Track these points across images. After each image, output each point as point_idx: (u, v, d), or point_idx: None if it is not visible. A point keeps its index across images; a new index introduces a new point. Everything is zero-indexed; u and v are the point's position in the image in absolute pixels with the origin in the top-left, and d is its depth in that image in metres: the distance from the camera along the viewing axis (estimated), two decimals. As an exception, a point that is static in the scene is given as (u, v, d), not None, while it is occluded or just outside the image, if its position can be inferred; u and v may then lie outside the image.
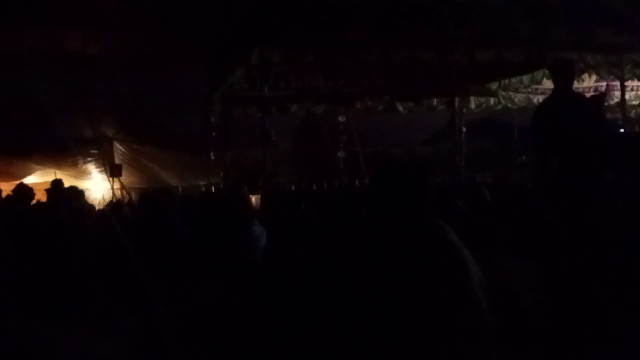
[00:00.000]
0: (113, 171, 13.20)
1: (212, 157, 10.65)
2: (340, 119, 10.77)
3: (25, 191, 7.27)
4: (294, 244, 3.72)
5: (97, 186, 14.81)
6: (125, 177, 13.84)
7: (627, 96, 9.12)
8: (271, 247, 3.21)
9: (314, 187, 9.46)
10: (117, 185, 13.56)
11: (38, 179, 13.75)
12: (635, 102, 10.68)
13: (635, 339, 2.49)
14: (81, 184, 12.88)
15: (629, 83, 9.26)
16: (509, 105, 11.45)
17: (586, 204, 4.70)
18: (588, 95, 8.44)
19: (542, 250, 3.45)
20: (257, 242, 3.13)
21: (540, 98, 10.52)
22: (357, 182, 9.40)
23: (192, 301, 2.62)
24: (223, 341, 2.51)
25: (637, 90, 10.65)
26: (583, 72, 9.07)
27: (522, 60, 8.21)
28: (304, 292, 2.43)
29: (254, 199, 8.09)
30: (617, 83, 8.93)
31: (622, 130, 8.65)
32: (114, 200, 12.30)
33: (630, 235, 3.53)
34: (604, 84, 10.08)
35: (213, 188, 11.21)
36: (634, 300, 3.03)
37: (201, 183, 13.26)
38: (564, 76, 5.66)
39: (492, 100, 11.52)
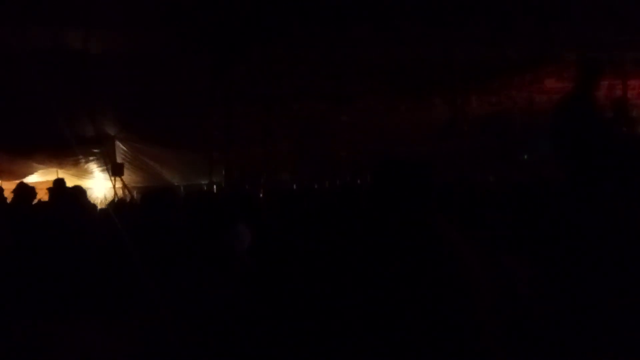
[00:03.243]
0: (115, 170, 13.18)
1: (214, 156, 10.64)
2: (342, 117, 10.77)
3: (26, 191, 7.25)
4: (295, 241, 3.72)
5: (99, 185, 14.77)
6: (127, 176, 13.81)
7: (628, 94, 9.11)
8: (273, 245, 3.21)
9: (316, 186, 9.46)
10: (119, 184, 13.55)
11: (40, 177, 13.73)
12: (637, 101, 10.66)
13: (635, 339, 2.49)
14: (83, 183, 12.80)
15: (631, 81, 9.26)
16: (511, 103, 11.43)
17: (594, 206, 4.69)
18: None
19: (544, 248, 3.45)
20: (240, 240, 3.13)
21: (543, 97, 10.52)
22: (358, 181, 9.39)
23: (191, 299, 2.63)
24: (224, 339, 2.52)
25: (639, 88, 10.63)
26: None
27: (524, 59, 8.21)
28: (305, 289, 2.43)
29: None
30: (619, 81, 8.92)
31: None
32: (116, 199, 12.28)
33: (634, 238, 3.53)
34: (606, 82, 10.06)
35: (215, 187, 11.22)
36: (636, 301, 3.03)
37: (203, 182, 13.26)
38: (591, 77, 5.64)
39: (494, 99, 11.50)
